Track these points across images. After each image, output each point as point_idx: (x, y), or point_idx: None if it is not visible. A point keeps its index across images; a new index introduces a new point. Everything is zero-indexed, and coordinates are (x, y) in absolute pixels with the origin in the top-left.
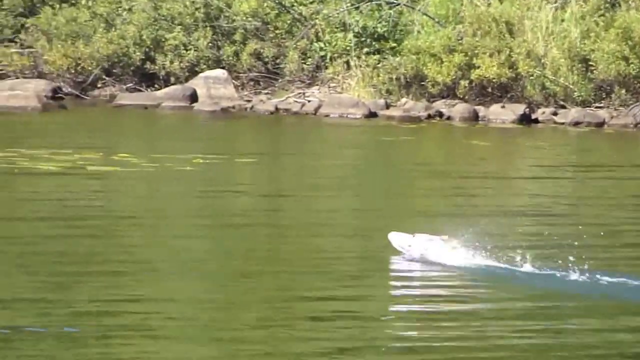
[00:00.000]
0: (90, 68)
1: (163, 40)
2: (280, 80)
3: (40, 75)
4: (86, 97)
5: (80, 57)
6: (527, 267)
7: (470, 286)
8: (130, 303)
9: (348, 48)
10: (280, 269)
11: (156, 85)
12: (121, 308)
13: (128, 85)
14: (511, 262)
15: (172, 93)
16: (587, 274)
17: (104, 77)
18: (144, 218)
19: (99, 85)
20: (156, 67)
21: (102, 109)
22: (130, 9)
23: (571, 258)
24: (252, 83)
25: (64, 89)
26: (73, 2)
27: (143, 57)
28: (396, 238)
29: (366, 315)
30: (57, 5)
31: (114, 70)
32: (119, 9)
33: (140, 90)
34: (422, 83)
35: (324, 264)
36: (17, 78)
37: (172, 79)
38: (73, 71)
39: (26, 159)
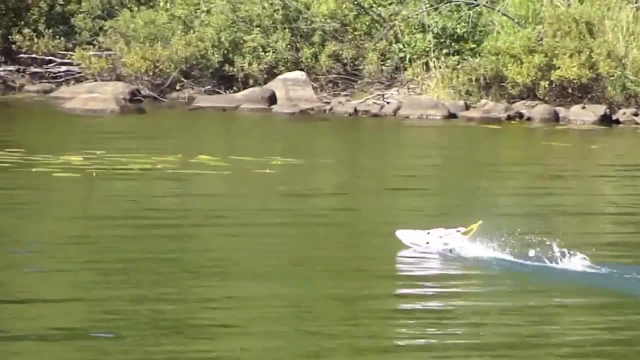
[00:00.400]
0: (168, 70)
1: (241, 42)
2: (359, 81)
3: (119, 78)
4: (164, 100)
5: (159, 60)
6: (572, 263)
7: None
8: (208, 302)
9: (427, 49)
10: (353, 268)
11: (234, 88)
12: (198, 306)
13: (206, 87)
14: (556, 258)
15: (251, 95)
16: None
17: (182, 79)
18: (221, 219)
19: (177, 88)
20: (234, 69)
21: (181, 111)
22: (208, 11)
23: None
24: (330, 85)
25: (142, 92)
26: (151, 4)
27: (221, 59)
28: (407, 236)
29: (442, 311)
30: (136, 8)
31: (193, 73)
32: (197, 11)
33: (218, 93)
34: (502, 84)
35: (399, 263)
36: (96, 81)
37: (251, 81)
38: (151, 73)
39: (105, 162)
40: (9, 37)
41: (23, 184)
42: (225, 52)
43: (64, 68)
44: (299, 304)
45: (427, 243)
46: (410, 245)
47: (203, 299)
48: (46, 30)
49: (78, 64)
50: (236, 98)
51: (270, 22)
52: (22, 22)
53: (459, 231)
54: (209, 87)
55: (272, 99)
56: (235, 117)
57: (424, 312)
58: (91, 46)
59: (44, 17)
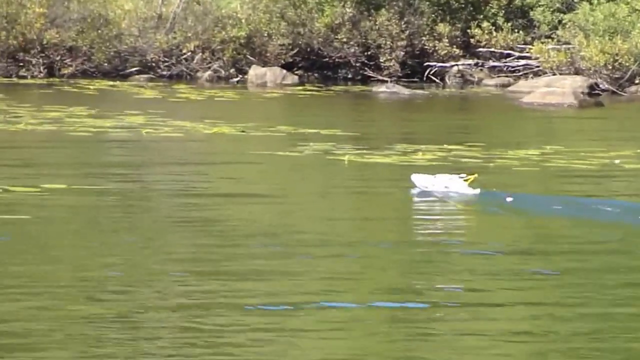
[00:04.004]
0: (627, 64)
1: None
2: None
3: (577, 72)
4: (623, 94)
5: (618, 53)
6: None
7: None
8: None
9: None
10: None
11: None
12: None
13: None
14: None
15: None
16: None
17: None
18: None
19: (636, 82)
20: None
21: (639, 105)
22: None
23: None
24: None
25: (600, 85)
26: None
27: None
28: (418, 179)
29: None
30: (595, 1)
31: None
32: None
33: None
34: None
35: None
36: (554, 74)
37: None
38: (610, 67)
39: (562, 157)
40: (468, 30)
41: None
42: None
43: (522, 62)
44: None
45: (433, 185)
46: (419, 186)
47: None
48: (505, 24)
49: (536, 58)
50: None
51: None
52: (481, 16)
53: (460, 177)
54: None
55: None
56: None
57: None
58: (550, 40)
59: (503, 11)
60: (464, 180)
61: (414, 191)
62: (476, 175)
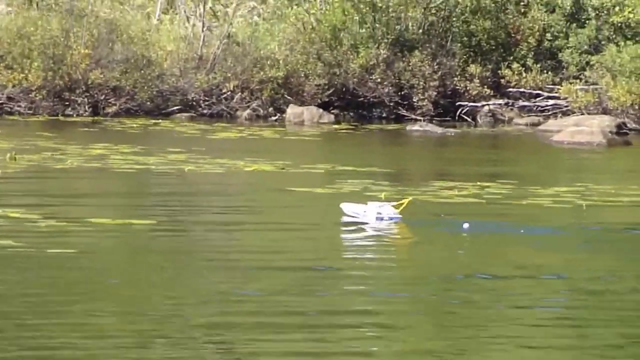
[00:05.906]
0: None
1: None
2: None
3: (605, 112)
4: None
5: None
6: None
7: None
8: None
9: None
10: None
11: None
12: None
13: None
14: None
15: None
16: None
17: None
18: None
19: None
20: None
21: None
22: None
23: None
24: None
25: (628, 125)
26: (638, 39)
27: None
28: (349, 207)
29: None
30: (622, 43)
31: None
32: None
33: None
34: None
35: None
36: (582, 114)
37: None
38: (637, 107)
39: (593, 194)
40: (499, 71)
41: (515, 213)
42: None
43: (551, 102)
44: None
45: (365, 212)
46: (352, 214)
47: None
48: (534, 65)
49: (565, 98)
50: None
51: None
52: (511, 57)
53: (391, 204)
54: None
55: None
56: None
57: None
58: (578, 80)
59: (533, 52)
60: (394, 206)
61: (344, 219)
62: (410, 199)
